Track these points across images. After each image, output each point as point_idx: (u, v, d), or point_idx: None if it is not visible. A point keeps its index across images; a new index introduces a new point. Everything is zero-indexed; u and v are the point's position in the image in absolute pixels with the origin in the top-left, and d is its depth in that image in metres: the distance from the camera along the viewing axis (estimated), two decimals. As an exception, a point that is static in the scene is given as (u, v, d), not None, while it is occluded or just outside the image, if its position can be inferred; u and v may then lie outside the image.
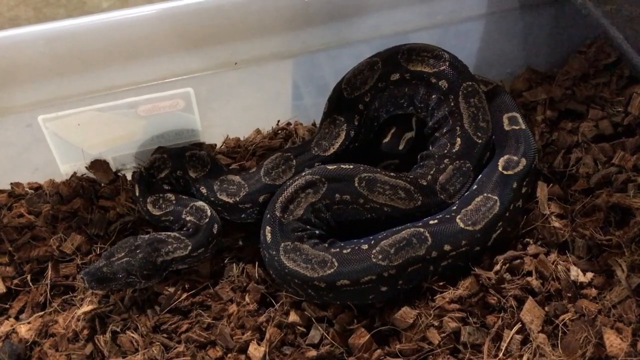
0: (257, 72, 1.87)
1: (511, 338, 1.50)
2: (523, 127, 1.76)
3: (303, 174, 1.66)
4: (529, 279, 1.58)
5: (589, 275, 1.59)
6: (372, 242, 1.57)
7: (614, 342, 1.45)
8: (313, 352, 1.52)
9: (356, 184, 1.63)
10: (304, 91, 1.98)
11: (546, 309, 1.54)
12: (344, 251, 1.56)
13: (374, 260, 1.52)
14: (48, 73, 1.70)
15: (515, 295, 1.56)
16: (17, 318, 1.67)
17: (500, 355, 1.49)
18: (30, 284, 1.69)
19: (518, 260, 1.61)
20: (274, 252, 1.58)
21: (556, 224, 1.67)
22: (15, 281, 1.70)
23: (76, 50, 1.68)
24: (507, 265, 1.60)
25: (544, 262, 1.59)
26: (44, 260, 1.72)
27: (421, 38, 1.85)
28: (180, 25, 1.69)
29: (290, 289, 1.59)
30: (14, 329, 1.64)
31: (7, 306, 1.69)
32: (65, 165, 1.86)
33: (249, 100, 1.94)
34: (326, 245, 1.60)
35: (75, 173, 1.87)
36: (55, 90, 1.73)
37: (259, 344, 1.54)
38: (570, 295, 1.56)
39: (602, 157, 1.82)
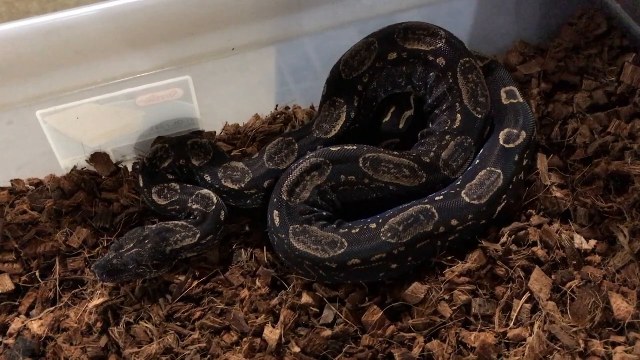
0: (254, 58, 1.87)
1: (521, 307, 1.53)
2: (521, 100, 1.78)
3: (307, 157, 1.67)
4: (534, 249, 1.61)
5: (592, 242, 1.63)
6: (380, 221, 1.59)
7: (620, 305, 1.49)
8: (328, 332, 1.53)
9: (361, 165, 1.64)
10: (301, 74, 1.97)
11: (553, 277, 1.57)
12: (353, 231, 1.58)
13: (384, 238, 1.54)
14: (43, 68, 1.68)
15: (523, 266, 1.59)
16: (27, 315, 1.67)
17: (511, 324, 1.52)
18: (39, 280, 1.69)
19: (523, 232, 1.64)
20: (283, 236, 1.59)
21: (558, 194, 1.70)
22: (24, 278, 1.69)
23: (71, 42, 1.65)
24: (513, 237, 1.63)
25: (549, 232, 1.62)
26: (51, 255, 1.71)
27: (414, 17, 1.86)
28: (177, 13, 1.67)
29: (302, 271, 1.61)
30: (25, 325, 1.63)
31: (17, 303, 1.68)
32: (65, 159, 1.84)
33: (247, 86, 1.94)
34: (334, 226, 1.62)
35: (75, 167, 1.85)
36: (51, 84, 1.71)
37: (273, 327, 1.56)
38: (575, 262, 1.59)
39: (598, 126, 1.85)
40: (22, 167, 1.85)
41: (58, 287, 1.67)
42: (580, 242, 1.62)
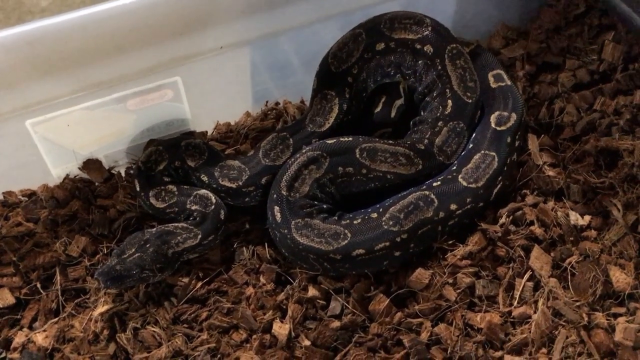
0: (242, 54, 1.86)
1: (523, 286, 1.57)
2: (508, 83, 1.81)
3: (304, 151, 1.67)
4: (532, 228, 1.65)
5: (587, 218, 1.66)
6: (381, 210, 1.60)
7: (619, 277, 1.53)
8: (336, 323, 1.55)
9: (357, 155, 1.66)
10: (289, 69, 1.97)
11: (552, 254, 1.61)
12: (355, 222, 1.59)
13: (386, 227, 1.56)
14: (30, 76, 1.64)
15: (522, 245, 1.62)
16: (30, 327, 1.65)
17: (515, 303, 1.55)
18: (41, 291, 1.66)
19: (520, 212, 1.67)
20: (285, 231, 1.60)
21: (550, 173, 1.73)
22: (24, 290, 1.67)
23: (56, 50, 1.62)
24: (511, 217, 1.66)
25: (544, 210, 1.66)
26: (51, 266, 1.69)
27: (396, 6, 1.87)
28: (163, 14, 1.65)
29: (306, 264, 1.61)
30: (29, 338, 1.61)
31: (19, 317, 1.66)
32: (57, 168, 1.82)
33: (236, 83, 1.93)
34: (336, 218, 1.63)
35: (68, 175, 1.83)
36: (40, 93, 1.68)
37: (282, 322, 1.57)
38: (572, 239, 1.63)
39: (584, 104, 1.89)
40: (12, 178, 1.82)
41: (60, 297, 1.65)
42: (575, 218, 1.66)
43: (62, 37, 1.60)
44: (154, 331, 1.58)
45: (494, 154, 1.67)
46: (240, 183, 1.70)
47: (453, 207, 1.60)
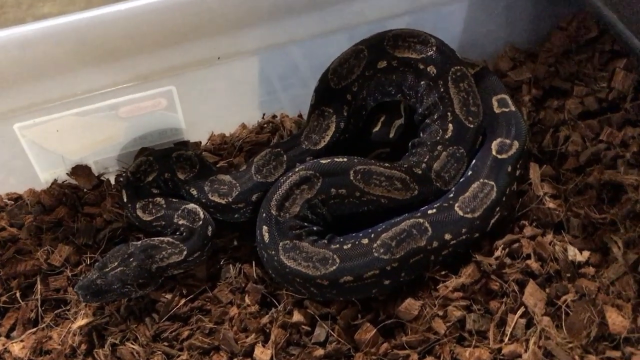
0: (241, 66, 1.82)
1: (515, 322, 1.51)
2: (513, 109, 1.75)
3: (296, 169, 1.63)
4: (528, 262, 1.59)
5: (586, 254, 1.60)
6: (372, 235, 1.55)
7: (615, 319, 1.47)
8: (320, 351, 1.50)
9: (351, 177, 1.61)
10: (288, 82, 1.93)
11: (547, 290, 1.55)
12: (345, 247, 1.54)
13: (376, 254, 1.51)
14: (20, 80, 1.61)
15: (517, 279, 1.56)
16: (8, 336, 1.62)
17: (506, 340, 1.50)
18: (20, 300, 1.63)
19: (517, 244, 1.61)
20: (273, 252, 1.55)
21: (551, 205, 1.68)
22: (3, 298, 1.64)
23: (49, 53, 1.59)
24: (507, 249, 1.60)
25: (542, 244, 1.60)
26: (32, 274, 1.65)
27: (403, 23, 1.82)
28: (160, 22, 1.61)
29: (292, 287, 1.57)
30: (6, 348, 1.58)
31: (-4, 325, 1.62)
32: (45, 173, 1.78)
33: (233, 94, 1.89)
34: (325, 241, 1.58)
35: (55, 180, 1.79)
36: (29, 97, 1.64)
37: (264, 346, 1.52)
38: (569, 275, 1.57)
39: (590, 134, 1.83)
40: (-1, 182, 1.79)
41: (39, 307, 1.62)
42: (573, 253, 1.60)
43: (54, 42, 1.57)
44: (132, 348, 1.54)
45: (493, 183, 1.61)
46: (230, 199, 1.66)
47: (447, 237, 1.55)
